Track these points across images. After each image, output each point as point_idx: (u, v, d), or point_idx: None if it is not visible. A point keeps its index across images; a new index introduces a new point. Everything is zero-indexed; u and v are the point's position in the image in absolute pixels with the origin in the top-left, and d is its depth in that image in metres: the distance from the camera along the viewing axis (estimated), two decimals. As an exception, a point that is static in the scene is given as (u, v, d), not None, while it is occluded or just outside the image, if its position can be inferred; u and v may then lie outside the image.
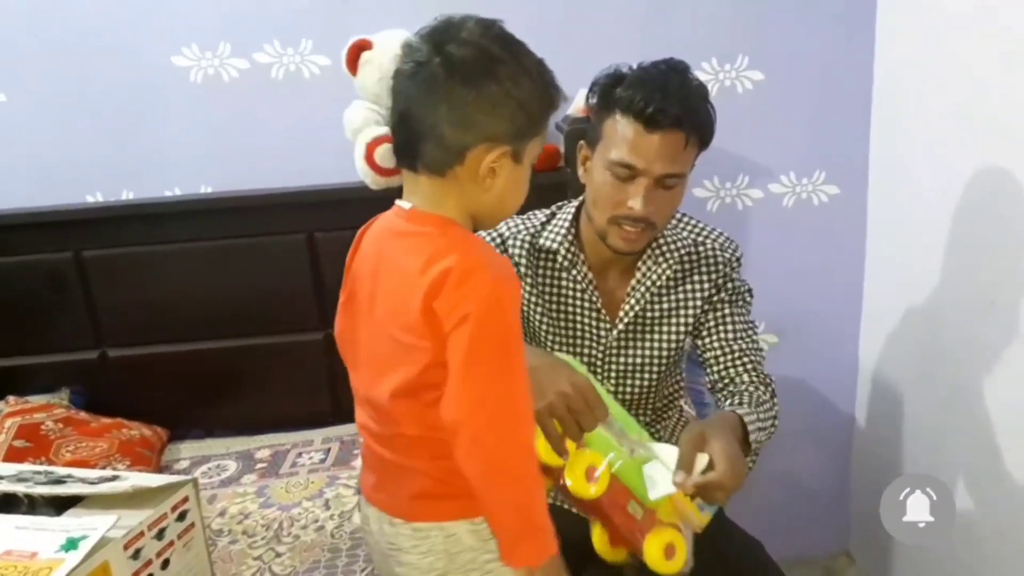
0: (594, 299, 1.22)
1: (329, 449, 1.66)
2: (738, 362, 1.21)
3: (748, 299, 1.26)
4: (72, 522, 0.91)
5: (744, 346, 1.21)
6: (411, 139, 0.86)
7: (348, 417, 1.70)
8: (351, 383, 0.99)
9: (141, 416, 1.67)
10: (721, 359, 1.21)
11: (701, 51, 1.72)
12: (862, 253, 1.88)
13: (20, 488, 0.97)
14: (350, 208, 1.67)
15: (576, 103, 1.58)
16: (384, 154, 1.55)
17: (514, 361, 0.83)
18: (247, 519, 1.42)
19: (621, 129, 1.08)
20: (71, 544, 0.86)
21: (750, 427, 1.09)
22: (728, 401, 1.17)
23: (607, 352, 1.24)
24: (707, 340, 1.23)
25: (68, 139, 1.68)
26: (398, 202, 0.92)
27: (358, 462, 1.51)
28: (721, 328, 1.22)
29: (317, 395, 1.77)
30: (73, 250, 1.66)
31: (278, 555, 1.31)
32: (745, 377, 1.20)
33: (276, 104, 1.70)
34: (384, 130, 1.58)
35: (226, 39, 1.66)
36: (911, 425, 1.71)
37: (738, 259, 1.24)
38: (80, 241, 1.66)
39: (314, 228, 1.69)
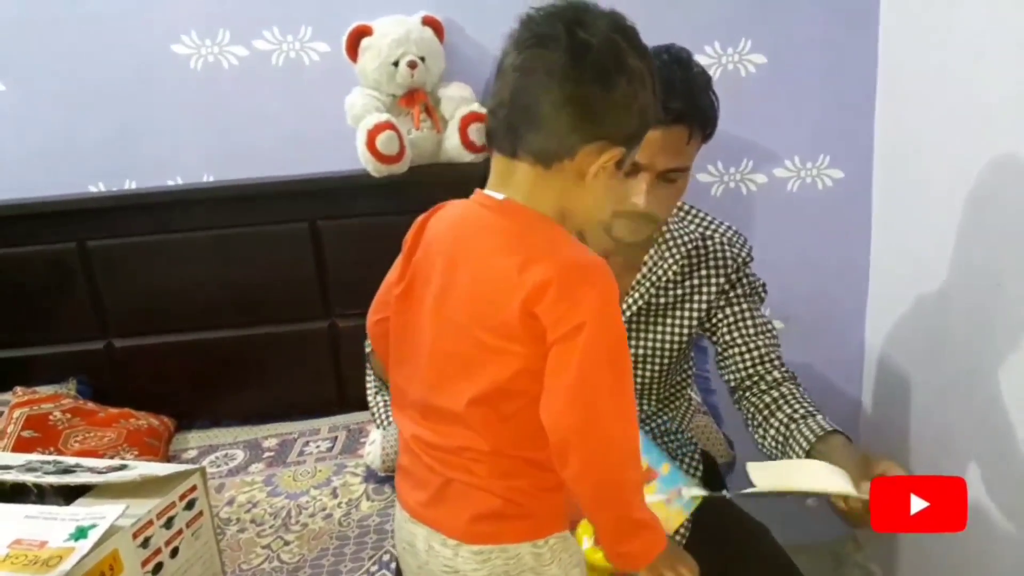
0: None
1: (336, 437, 1.66)
2: (765, 359, 1.19)
3: (763, 295, 1.25)
4: (81, 511, 0.91)
5: (768, 341, 1.20)
6: (516, 123, 0.79)
7: (354, 405, 1.73)
8: (393, 382, 0.93)
9: (148, 406, 1.68)
10: (747, 356, 1.19)
11: (703, 35, 1.71)
12: (868, 237, 1.87)
13: (29, 478, 0.97)
14: (353, 196, 1.68)
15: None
16: (386, 141, 1.57)
17: (625, 368, 0.80)
18: (255, 508, 1.43)
19: None
20: (81, 533, 0.86)
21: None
22: (769, 403, 1.17)
23: None
24: (727, 338, 1.21)
25: (69, 129, 1.68)
26: (486, 191, 0.84)
27: (365, 450, 1.51)
28: (741, 325, 1.20)
29: (323, 384, 1.77)
30: (77, 240, 1.66)
31: (286, 543, 1.32)
32: (776, 374, 1.18)
33: (276, 91, 1.69)
34: (385, 117, 1.58)
35: (225, 26, 1.65)
36: (918, 409, 1.70)
37: (749, 253, 1.23)
38: (84, 231, 1.66)
39: (317, 216, 1.69)
